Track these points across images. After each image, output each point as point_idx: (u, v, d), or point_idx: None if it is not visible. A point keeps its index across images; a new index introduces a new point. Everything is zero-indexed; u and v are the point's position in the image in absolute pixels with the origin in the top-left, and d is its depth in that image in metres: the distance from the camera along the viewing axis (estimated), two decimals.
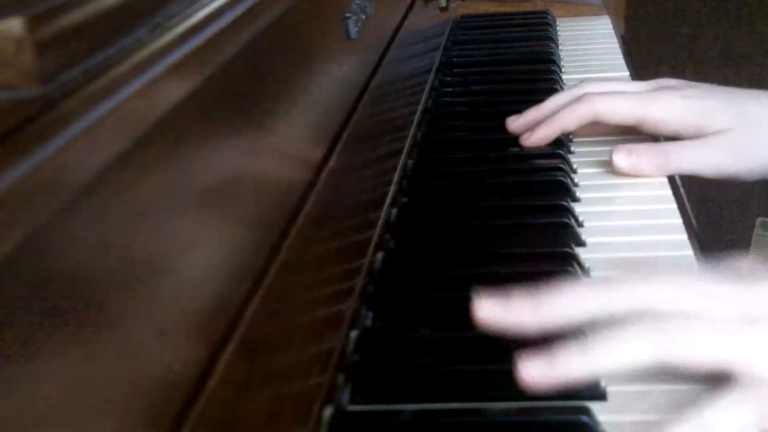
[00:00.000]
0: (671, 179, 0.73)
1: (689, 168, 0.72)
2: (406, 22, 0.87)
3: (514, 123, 0.80)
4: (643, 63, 1.97)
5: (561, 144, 0.78)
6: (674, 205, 0.69)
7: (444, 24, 1.15)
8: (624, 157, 0.72)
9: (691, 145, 0.72)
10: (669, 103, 0.73)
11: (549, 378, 0.44)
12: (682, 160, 0.72)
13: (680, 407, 0.44)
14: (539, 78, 0.99)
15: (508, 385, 0.48)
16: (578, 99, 0.76)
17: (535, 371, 0.44)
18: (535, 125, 0.77)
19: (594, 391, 0.47)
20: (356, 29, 0.64)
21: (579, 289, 0.47)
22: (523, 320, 0.46)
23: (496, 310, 0.46)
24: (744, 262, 0.49)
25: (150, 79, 0.32)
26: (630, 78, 1.01)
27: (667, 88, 0.76)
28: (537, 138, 0.77)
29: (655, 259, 0.60)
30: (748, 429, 0.41)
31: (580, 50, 1.13)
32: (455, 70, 1.05)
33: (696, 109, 0.73)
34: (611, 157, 0.73)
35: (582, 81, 0.80)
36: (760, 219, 1.80)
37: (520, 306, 0.46)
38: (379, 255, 0.62)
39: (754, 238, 1.82)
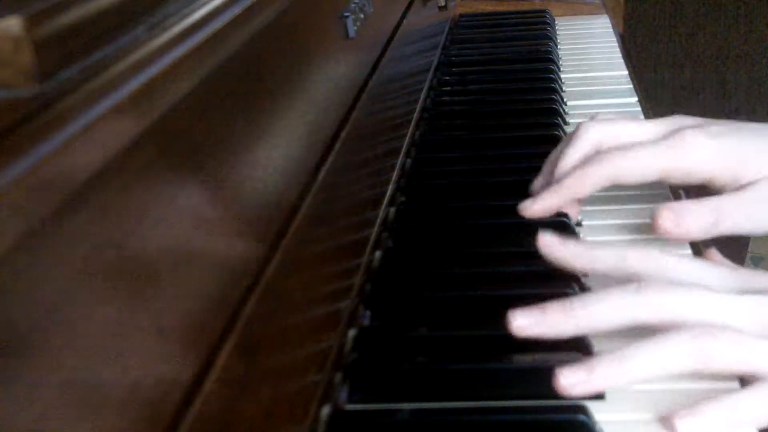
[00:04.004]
0: None
1: (742, 227, 0.60)
2: (404, 21, 0.87)
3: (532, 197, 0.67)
4: (642, 62, 1.97)
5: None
6: None
7: (442, 23, 1.15)
8: (669, 219, 0.60)
9: (744, 199, 0.60)
10: (698, 147, 0.61)
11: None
12: (735, 219, 0.60)
13: (680, 407, 0.45)
14: (538, 77, 0.99)
15: (506, 384, 0.48)
16: (588, 160, 0.63)
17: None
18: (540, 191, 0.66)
19: None
20: (355, 28, 0.64)
21: (612, 297, 0.48)
22: (558, 329, 0.49)
23: (531, 321, 0.49)
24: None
25: (148, 78, 0.32)
26: (628, 76, 1.01)
27: (688, 128, 0.63)
28: (540, 208, 0.65)
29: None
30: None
31: (579, 49, 1.13)
32: (454, 69, 1.05)
33: (730, 150, 0.61)
34: (654, 219, 0.60)
35: (583, 122, 0.67)
36: None
37: (555, 316, 0.49)
38: (377, 254, 0.62)
39: (752, 237, 1.82)
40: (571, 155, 0.65)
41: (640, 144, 0.63)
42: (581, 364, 0.46)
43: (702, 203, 0.60)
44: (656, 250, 0.52)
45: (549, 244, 0.54)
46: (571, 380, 0.45)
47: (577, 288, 0.55)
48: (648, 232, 0.64)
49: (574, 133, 0.66)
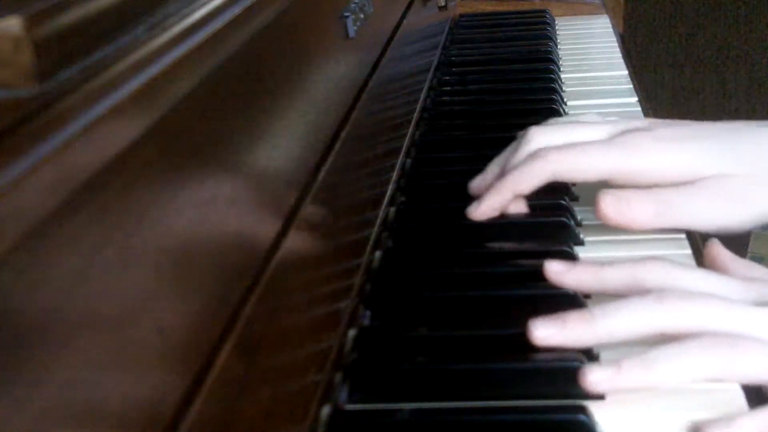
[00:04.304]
0: None
1: (688, 222, 0.61)
2: (404, 21, 0.87)
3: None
4: (642, 62, 1.97)
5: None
6: None
7: (443, 23, 1.15)
8: (613, 205, 0.60)
9: (691, 193, 0.60)
10: (643, 150, 0.61)
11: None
12: (678, 212, 0.60)
13: (682, 407, 0.45)
14: (538, 77, 0.99)
15: (506, 384, 0.48)
16: (532, 156, 0.62)
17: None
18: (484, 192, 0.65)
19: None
20: (355, 28, 0.64)
21: (633, 308, 0.48)
22: (579, 340, 0.48)
23: (552, 331, 0.48)
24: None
25: (148, 78, 0.32)
26: (628, 76, 1.01)
27: (636, 131, 0.62)
28: (486, 209, 0.64)
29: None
30: None
31: (579, 49, 1.13)
32: (454, 69, 1.05)
33: (679, 153, 0.60)
34: (597, 204, 0.60)
35: (531, 126, 0.67)
36: None
37: (576, 327, 0.48)
38: (378, 254, 0.62)
39: (752, 237, 1.82)
40: (518, 159, 0.64)
41: (588, 143, 0.62)
42: (608, 364, 0.46)
43: (648, 193, 0.60)
44: (665, 261, 0.52)
45: (556, 271, 0.54)
46: (598, 377, 0.45)
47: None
48: (648, 232, 0.63)
49: (521, 137, 0.66)
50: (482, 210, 0.64)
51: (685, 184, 0.60)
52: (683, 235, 0.63)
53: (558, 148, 0.62)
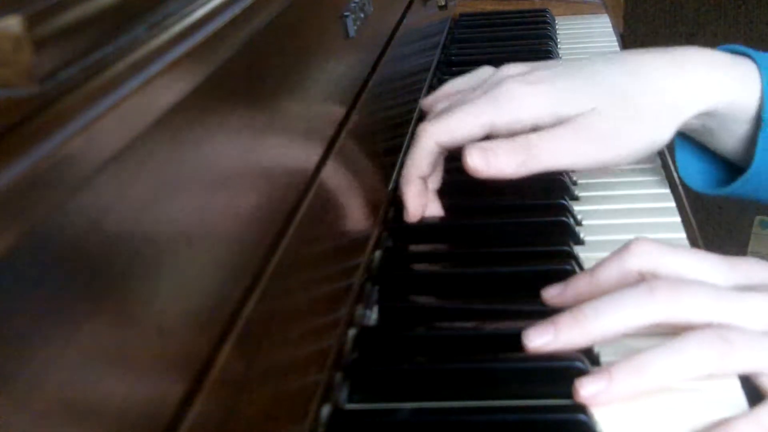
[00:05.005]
0: (669, 177, 0.73)
1: (560, 162, 0.62)
2: (404, 21, 0.87)
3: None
4: None
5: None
6: (673, 204, 0.69)
7: (443, 22, 1.15)
8: (478, 157, 0.61)
9: (555, 135, 0.61)
10: (513, 98, 0.62)
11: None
12: (545, 155, 0.61)
13: (682, 405, 0.45)
14: None
15: (506, 384, 0.48)
16: (416, 136, 0.65)
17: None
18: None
19: None
20: (355, 28, 0.64)
21: (624, 303, 0.48)
22: (573, 343, 0.48)
23: (545, 339, 0.48)
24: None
25: (148, 78, 0.32)
26: None
27: (509, 78, 0.64)
28: (412, 208, 0.65)
29: None
30: None
31: (579, 48, 1.13)
32: (454, 68, 1.05)
33: (548, 95, 0.62)
34: (464, 159, 0.62)
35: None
36: (758, 217, 1.80)
37: (568, 331, 0.48)
38: (377, 254, 0.62)
39: (752, 236, 1.82)
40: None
41: (461, 104, 0.64)
42: (599, 373, 0.46)
43: (513, 140, 0.61)
44: (648, 244, 0.51)
45: (554, 296, 0.53)
46: (591, 391, 0.45)
47: None
48: (648, 230, 0.64)
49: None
50: (410, 210, 0.65)
51: (555, 126, 0.61)
52: (683, 235, 0.63)
53: (434, 118, 0.64)
